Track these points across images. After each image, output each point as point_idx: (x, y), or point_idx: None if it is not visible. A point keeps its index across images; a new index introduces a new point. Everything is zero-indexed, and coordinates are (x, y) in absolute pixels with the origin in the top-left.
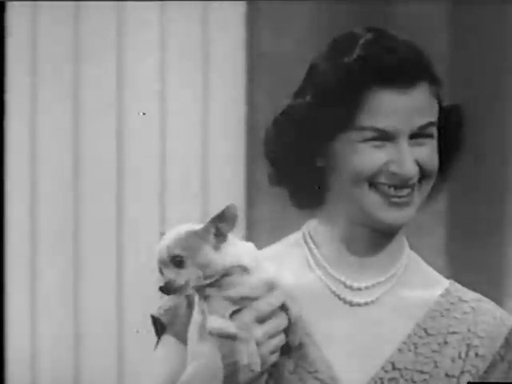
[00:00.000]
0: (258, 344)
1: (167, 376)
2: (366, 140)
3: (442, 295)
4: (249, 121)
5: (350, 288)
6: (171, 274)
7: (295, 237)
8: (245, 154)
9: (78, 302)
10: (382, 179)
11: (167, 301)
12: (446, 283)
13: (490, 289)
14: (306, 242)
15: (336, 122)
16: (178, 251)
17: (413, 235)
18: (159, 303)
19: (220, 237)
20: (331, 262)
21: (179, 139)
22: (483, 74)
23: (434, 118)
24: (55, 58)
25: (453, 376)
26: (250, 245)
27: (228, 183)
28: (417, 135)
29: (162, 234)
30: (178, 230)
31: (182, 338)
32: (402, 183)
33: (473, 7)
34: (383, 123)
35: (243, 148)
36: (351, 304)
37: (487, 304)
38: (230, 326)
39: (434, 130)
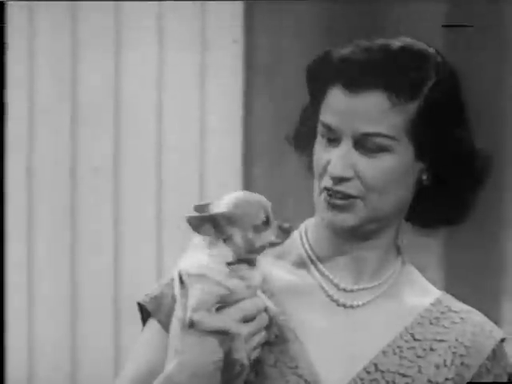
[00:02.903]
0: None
1: (150, 357)
2: (322, 136)
3: (432, 304)
4: (247, 120)
5: (343, 290)
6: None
7: (293, 234)
8: (242, 154)
9: (76, 302)
10: (326, 182)
11: (154, 289)
12: (437, 293)
13: (490, 289)
14: (301, 241)
15: (308, 111)
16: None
17: (412, 236)
18: (146, 291)
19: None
20: (324, 261)
21: (176, 139)
22: (483, 74)
23: (386, 130)
24: (54, 57)
25: (436, 383)
26: None
27: (225, 184)
28: (363, 143)
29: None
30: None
31: (165, 326)
32: (332, 185)
33: (473, 7)
34: (330, 120)
35: (240, 148)
36: (339, 304)
37: (477, 316)
38: (220, 321)
39: (389, 144)
